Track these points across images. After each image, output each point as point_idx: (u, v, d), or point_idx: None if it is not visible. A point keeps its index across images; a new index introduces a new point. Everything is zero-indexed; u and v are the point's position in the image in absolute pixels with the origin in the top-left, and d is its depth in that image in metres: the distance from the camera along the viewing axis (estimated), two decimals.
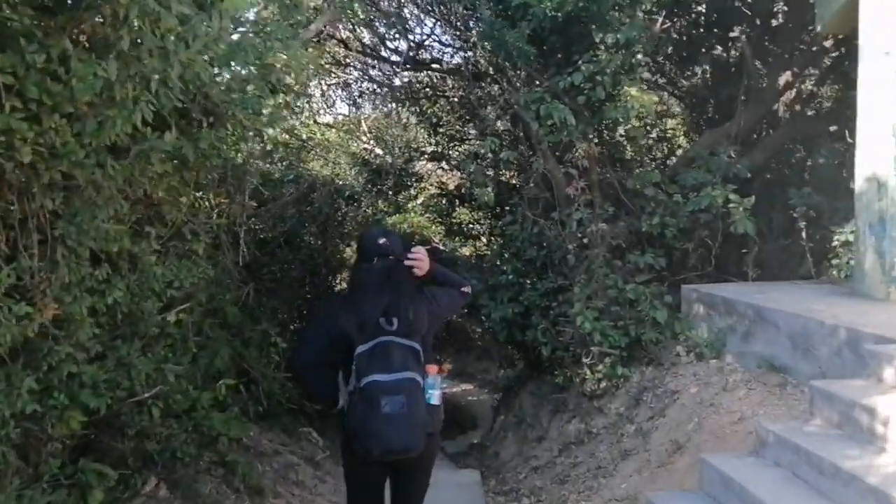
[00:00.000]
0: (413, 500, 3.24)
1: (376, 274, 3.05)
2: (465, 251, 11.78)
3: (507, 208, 8.27)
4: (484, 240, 10.78)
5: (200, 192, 4.44)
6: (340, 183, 9.12)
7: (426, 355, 2.99)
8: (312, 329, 3.50)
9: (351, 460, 3.09)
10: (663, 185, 7.19)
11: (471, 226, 11.02)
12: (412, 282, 3.11)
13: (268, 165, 7.96)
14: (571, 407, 7.56)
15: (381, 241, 3.11)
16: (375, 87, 10.88)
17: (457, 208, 10.90)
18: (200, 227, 4.35)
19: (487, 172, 7.51)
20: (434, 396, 2.96)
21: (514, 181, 8.16)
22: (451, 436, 14.43)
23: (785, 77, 8.01)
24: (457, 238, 11.15)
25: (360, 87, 11.04)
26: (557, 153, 7.37)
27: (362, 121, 12.11)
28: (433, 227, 11.62)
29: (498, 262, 8.19)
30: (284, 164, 8.48)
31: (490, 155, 7.52)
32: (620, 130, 7.46)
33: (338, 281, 12.38)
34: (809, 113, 8.77)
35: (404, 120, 10.92)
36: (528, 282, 7.90)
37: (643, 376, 6.71)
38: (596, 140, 7.27)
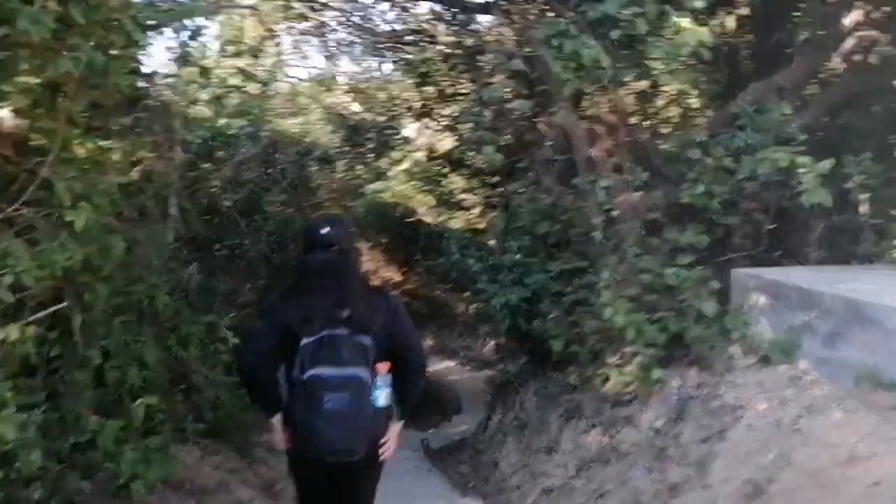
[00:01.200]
0: None
1: (319, 266, 2.89)
2: (456, 224, 10.39)
3: (513, 174, 6.89)
4: (478, 212, 9.38)
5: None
6: (310, 142, 7.65)
7: (378, 353, 2.81)
8: (259, 325, 3.10)
9: (293, 460, 3.01)
10: (710, 148, 5.82)
11: (464, 195, 9.62)
12: (360, 277, 3.05)
13: (223, 119, 6.51)
14: (588, 413, 6.25)
15: (324, 230, 2.91)
16: (353, 34, 9.35)
17: (448, 175, 9.48)
18: (92, 188, 2.92)
19: (491, 128, 6.12)
20: (381, 397, 2.83)
21: (523, 140, 6.76)
22: (433, 421, 13.19)
23: (853, 17, 6.62)
24: (449, 210, 9.76)
25: (337, 35, 9.52)
26: (579, 106, 5.97)
27: (338, 76, 10.61)
28: (420, 196, 10.23)
29: (501, 239, 6.82)
30: (243, 117, 7.02)
31: (493, 107, 6.10)
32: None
33: None
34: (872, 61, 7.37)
35: (387, 72, 9.41)
36: (538, 262, 6.55)
37: (685, 382, 5.40)
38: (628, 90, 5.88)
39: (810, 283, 4.81)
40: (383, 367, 2.84)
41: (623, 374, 5.72)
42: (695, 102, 7.27)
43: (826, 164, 5.25)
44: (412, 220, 11.98)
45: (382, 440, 2.93)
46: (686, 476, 4.53)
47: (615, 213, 5.65)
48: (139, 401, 3.69)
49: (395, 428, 3.00)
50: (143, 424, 3.76)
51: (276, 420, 2.93)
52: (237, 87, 5.31)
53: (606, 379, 6.01)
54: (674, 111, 6.89)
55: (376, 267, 13.50)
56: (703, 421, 4.86)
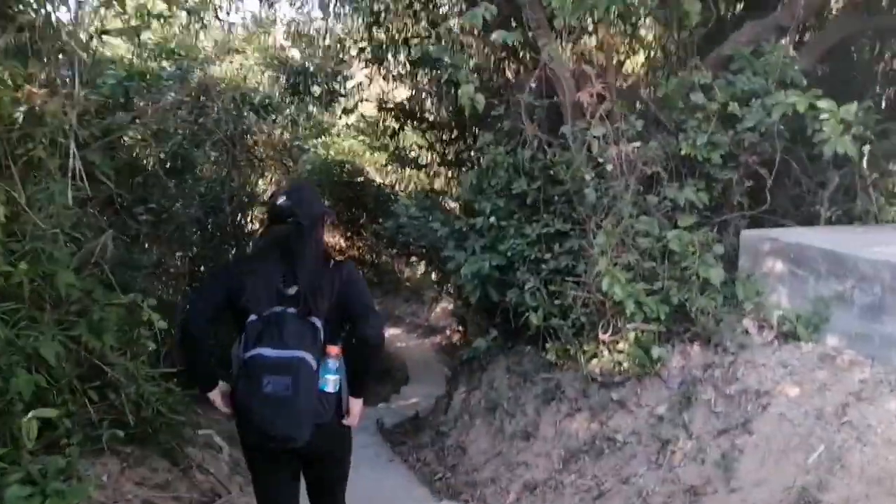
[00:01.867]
0: (327, 497, 2.96)
1: (275, 239, 2.74)
2: (409, 187, 9.51)
3: (484, 124, 6.04)
4: (435, 170, 8.51)
5: None
6: (248, 89, 6.64)
7: (327, 335, 2.61)
8: (205, 286, 3.12)
9: (242, 443, 2.81)
10: (713, 92, 5.09)
11: (419, 152, 8.73)
12: (318, 252, 2.75)
13: (141, 58, 5.47)
14: (571, 394, 5.56)
15: (281, 201, 2.74)
16: None
17: (401, 130, 8.55)
18: None
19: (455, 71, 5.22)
20: (329, 383, 2.62)
21: (495, 86, 5.90)
22: (383, 394, 12.51)
23: None
24: (403, 168, 8.85)
25: None
26: (563, 42, 5.15)
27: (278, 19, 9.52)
28: (369, 154, 9.30)
29: (471, 199, 6.00)
30: (168, 58, 5.97)
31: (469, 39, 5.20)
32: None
33: (250, 220, 10.00)
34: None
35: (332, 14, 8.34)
36: (514, 226, 5.77)
37: (688, 361, 4.74)
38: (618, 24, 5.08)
39: (840, 247, 4.15)
40: (334, 349, 2.63)
41: (615, 351, 5.04)
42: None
43: (851, 109, 4.57)
44: (360, 179, 11.03)
45: (344, 421, 2.77)
46: (705, 476, 3.86)
47: (608, 167, 4.88)
48: (30, 414, 2.79)
49: (355, 407, 2.80)
50: (36, 442, 2.88)
51: (214, 394, 2.79)
52: (159, 17, 4.30)
53: (594, 356, 5.33)
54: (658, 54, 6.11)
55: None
56: (717, 408, 4.20)
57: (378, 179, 11.21)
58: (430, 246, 6.59)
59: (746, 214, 5.45)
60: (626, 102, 5.11)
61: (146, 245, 5.37)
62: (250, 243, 8.65)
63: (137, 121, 4.72)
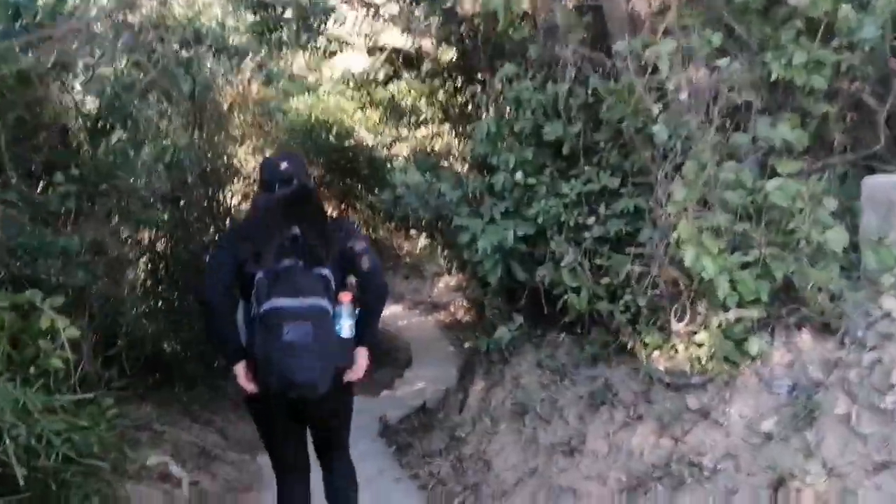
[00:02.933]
0: (334, 446, 3.04)
1: (278, 202, 2.75)
2: (404, 148, 8.18)
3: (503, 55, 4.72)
4: (440, 129, 7.18)
5: None
6: (199, 24, 5.29)
7: (338, 284, 2.72)
8: (217, 258, 2.84)
9: (257, 401, 2.83)
10: None
11: (418, 105, 7.39)
12: (321, 212, 2.91)
13: None
14: (628, 398, 4.34)
15: (283, 166, 2.84)
16: None
17: (398, 77, 7.21)
18: None
19: None
20: (345, 328, 2.72)
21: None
22: (385, 380, 11.33)
23: None
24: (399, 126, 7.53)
25: None
26: None
27: None
28: (358, 111, 7.97)
29: (486, 152, 4.70)
30: None
31: None
32: None
33: (231, 197, 8.74)
34: None
35: None
36: (546, 183, 4.49)
37: (797, 355, 3.50)
38: None
39: None
40: (346, 296, 2.73)
41: (691, 343, 3.79)
42: None
43: None
44: (351, 142, 9.64)
45: (348, 370, 2.80)
46: None
47: (682, 96, 3.58)
48: None
49: (362, 354, 2.84)
50: None
51: (239, 367, 2.75)
52: None
53: (657, 349, 4.09)
54: None
55: None
56: (862, 428, 2.95)
57: (370, 141, 9.85)
58: (436, 216, 5.30)
59: (851, 159, 4.18)
60: (696, 11, 3.79)
61: (70, 225, 4.09)
62: (231, 224, 7.58)
63: (32, 52, 3.40)
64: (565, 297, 4.44)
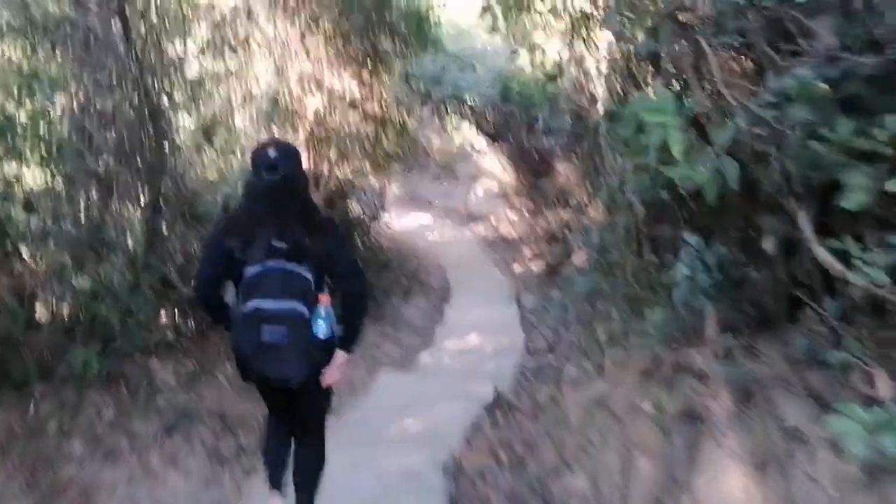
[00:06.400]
0: (309, 431, 3.23)
1: (263, 191, 2.81)
2: None
3: None
4: None
5: None
6: None
7: (318, 284, 2.82)
8: (207, 254, 3.06)
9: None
10: None
11: None
12: (306, 204, 2.94)
13: None
14: None
15: (271, 153, 2.80)
16: None
17: None
18: None
19: None
20: (321, 329, 2.81)
21: None
22: (413, 321, 8.76)
23: None
24: None
25: None
26: None
27: None
28: None
29: None
30: None
31: None
32: None
33: None
34: None
35: None
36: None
37: None
38: None
39: None
40: (325, 298, 2.82)
41: None
42: None
43: None
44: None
45: (323, 377, 2.93)
46: None
47: None
48: None
49: (339, 357, 2.94)
50: None
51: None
52: None
53: None
54: None
55: (319, 70, 8.13)
56: None
57: None
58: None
59: None
60: None
61: None
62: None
63: None
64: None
